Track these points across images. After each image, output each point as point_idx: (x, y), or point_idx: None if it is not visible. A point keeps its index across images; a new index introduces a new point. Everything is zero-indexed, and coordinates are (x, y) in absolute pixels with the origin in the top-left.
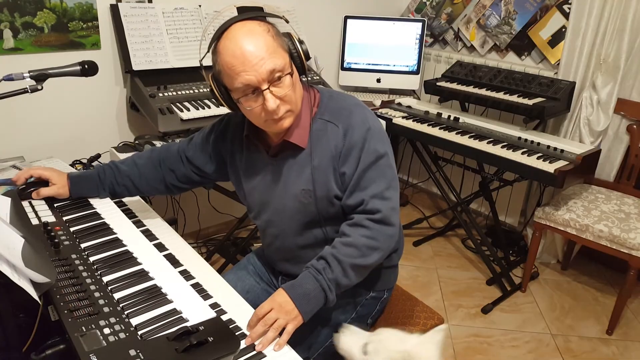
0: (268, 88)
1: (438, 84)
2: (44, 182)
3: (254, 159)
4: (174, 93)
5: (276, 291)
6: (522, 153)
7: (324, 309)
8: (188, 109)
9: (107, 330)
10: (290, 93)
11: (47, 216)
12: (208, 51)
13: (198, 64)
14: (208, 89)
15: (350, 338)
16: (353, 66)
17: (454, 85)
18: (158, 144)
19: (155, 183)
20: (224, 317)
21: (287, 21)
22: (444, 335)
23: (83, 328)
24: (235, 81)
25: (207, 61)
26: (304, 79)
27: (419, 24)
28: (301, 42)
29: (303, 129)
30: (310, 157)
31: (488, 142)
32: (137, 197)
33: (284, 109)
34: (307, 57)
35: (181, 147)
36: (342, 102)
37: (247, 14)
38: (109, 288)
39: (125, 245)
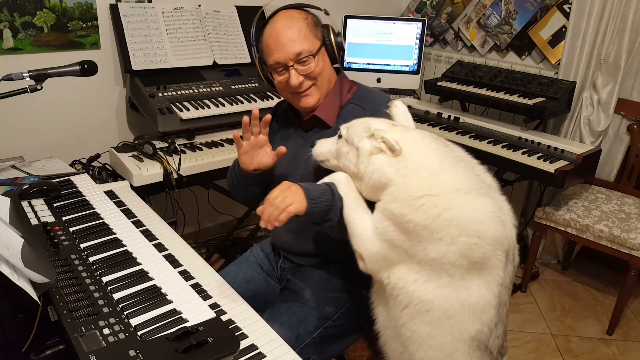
0: (292, 65)
1: (438, 83)
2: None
3: (289, 133)
4: (174, 93)
5: None
6: (523, 153)
7: (314, 300)
8: (188, 109)
9: (106, 331)
10: (316, 70)
11: (47, 216)
12: (260, 35)
13: (198, 64)
14: (208, 89)
15: (322, 143)
16: (353, 66)
17: (454, 85)
18: (158, 144)
19: None
20: (224, 318)
21: (327, 14)
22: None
23: (82, 328)
24: (269, 58)
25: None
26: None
27: (419, 24)
28: (338, 34)
29: (332, 108)
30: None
31: (488, 142)
32: (137, 197)
33: (308, 84)
34: (341, 48)
35: None
36: (376, 95)
37: (294, 4)
38: (109, 288)
39: (124, 246)
